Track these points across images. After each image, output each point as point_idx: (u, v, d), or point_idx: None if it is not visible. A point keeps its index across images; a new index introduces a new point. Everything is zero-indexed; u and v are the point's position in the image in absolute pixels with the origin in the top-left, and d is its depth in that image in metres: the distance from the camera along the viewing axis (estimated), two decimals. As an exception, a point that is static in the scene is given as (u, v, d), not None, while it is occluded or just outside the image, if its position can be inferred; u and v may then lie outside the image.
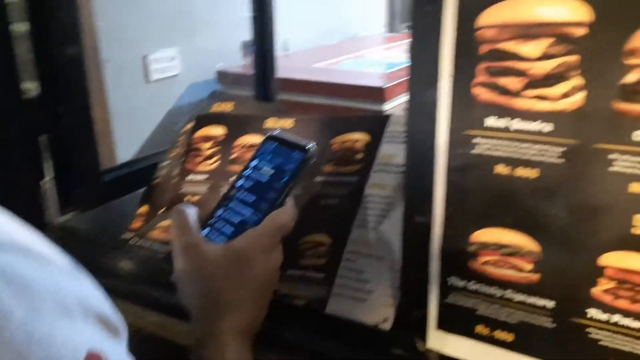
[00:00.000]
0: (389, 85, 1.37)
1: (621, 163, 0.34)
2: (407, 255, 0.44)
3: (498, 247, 0.40)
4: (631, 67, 0.33)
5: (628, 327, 0.36)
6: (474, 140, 0.39)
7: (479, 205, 0.40)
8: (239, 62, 1.63)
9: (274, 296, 0.46)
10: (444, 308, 0.43)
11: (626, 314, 0.36)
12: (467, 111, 0.38)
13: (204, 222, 0.47)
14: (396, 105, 1.40)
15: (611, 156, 0.34)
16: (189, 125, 0.71)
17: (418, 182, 0.42)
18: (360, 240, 0.53)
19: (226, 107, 0.72)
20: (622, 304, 0.36)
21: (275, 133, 0.51)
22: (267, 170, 0.49)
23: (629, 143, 0.34)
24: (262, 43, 1.04)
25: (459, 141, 0.39)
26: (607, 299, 0.36)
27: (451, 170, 0.40)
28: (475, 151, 0.39)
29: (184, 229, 0.45)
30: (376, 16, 2.45)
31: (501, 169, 0.38)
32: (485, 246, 0.40)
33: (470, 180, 0.39)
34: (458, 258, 0.42)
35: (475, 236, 0.40)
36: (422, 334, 0.44)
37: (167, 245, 0.61)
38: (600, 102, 0.34)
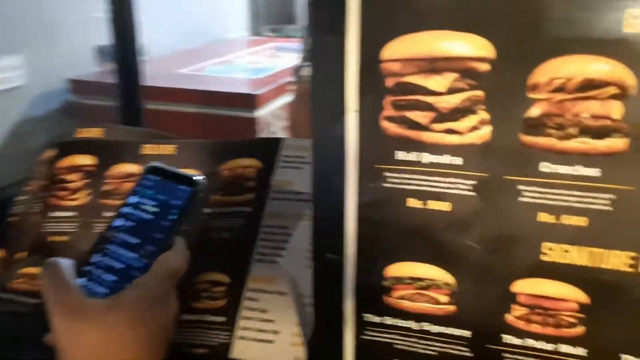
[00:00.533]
0: (261, 92, 1.34)
1: (529, 194, 0.35)
2: (319, 293, 0.42)
3: (413, 280, 0.39)
4: (533, 102, 0.33)
5: (541, 350, 0.37)
6: (385, 175, 0.37)
7: (392, 239, 0.39)
8: (94, 69, 1.49)
9: (169, 349, 0.41)
10: (360, 345, 0.41)
11: (538, 337, 0.37)
12: (376, 145, 0.37)
13: (78, 269, 0.41)
14: (268, 112, 1.38)
15: (520, 187, 0.35)
16: (50, 153, 0.62)
17: (327, 218, 0.40)
18: (260, 276, 0.49)
19: (94, 132, 0.64)
20: (535, 328, 0.37)
21: (156, 164, 0.46)
22: (151, 208, 0.44)
23: (536, 174, 0.34)
24: (122, 47, 0.96)
25: (369, 176, 0.38)
26: (521, 324, 0.37)
27: (362, 206, 0.38)
28: (387, 185, 0.37)
29: (60, 284, 0.39)
30: (238, 18, 2.40)
31: (413, 203, 0.37)
32: (400, 280, 0.39)
33: (382, 215, 0.38)
34: (373, 293, 0.40)
35: (389, 271, 0.39)
36: (338, 373, 0.42)
37: (34, 297, 0.53)
38: (507, 136, 0.34)
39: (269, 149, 0.55)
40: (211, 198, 0.54)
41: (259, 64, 1.69)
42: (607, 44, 0.31)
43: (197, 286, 0.50)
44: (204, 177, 0.44)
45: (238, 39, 2.21)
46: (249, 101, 1.35)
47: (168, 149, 0.58)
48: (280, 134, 1.40)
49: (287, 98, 1.35)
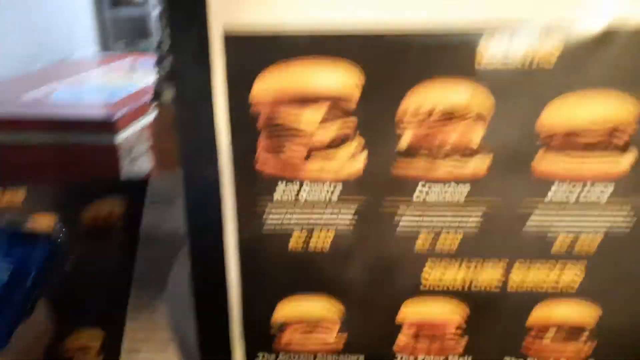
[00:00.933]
0: (119, 116, 1.26)
1: (407, 220, 0.35)
2: (206, 342, 0.40)
3: (303, 316, 0.38)
4: (404, 130, 0.34)
5: (431, 367, 0.38)
6: (265, 213, 0.36)
7: (278, 277, 0.37)
8: None
9: None
10: (253, 389, 0.40)
11: (427, 352, 0.38)
12: (253, 184, 0.35)
13: None
14: (129, 135, 1.31)
15: (398, 214, 0.35)
16: None
17: (207, 265, 0.37)
18: (139, 327, 0.46)
19: None
20: (422, 350, 0.38)
21: (4, 220, 0.41)
22: (3, 270, 0.39)
23: (412, 200, 0.35)
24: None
25: (248, 216, 0.36)
26: (409, 347, 0.38)
27: (243, 248, 0.37)
28: (267, 224, 0.36)
29: None
30: (85, 33, 2.25)
31: (296, 238, 0.36)
32: (290, 318, 0.38)
33: (265, 255, 0.37)
34: (263, 335, 0.39)
35: (278, 309, 0.38)
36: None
37: None
38: (381, 165, 0.35)
39: (135, 188, 0.51)
40: (74, 247, 0.49)
41: (115, 84, 1.59)
42: (465, 73, 0.33)
43: (68, 352, 0.45)
44: (62, 230, 0.40)
45: (88, 57, 2.07)
46: (107, 126, 1.26)
47: (17, 195, 0.52)
48: (144, 159, 1.32)
49: (148, 119, 1.29)
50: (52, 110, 1.32)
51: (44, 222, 0.44)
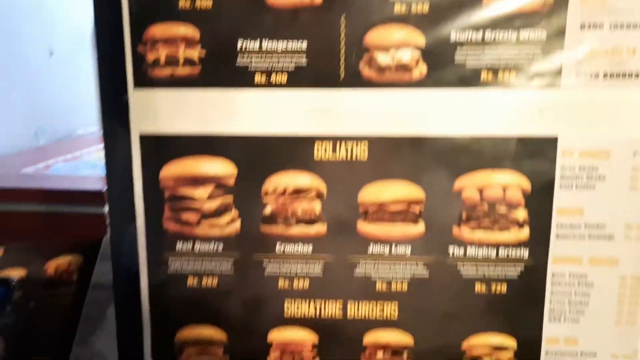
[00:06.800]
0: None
1: (271, 266, 0.49)
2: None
3: (197, 340, 0.51)
4: (267, 203, 0.48)
5: (292, 383, 0.50)
6: (169, 262, 0.50)
7: (179, 309, 0.50)
8: None
9: None
10: (161, 401, 0.52)
11: (290, 373, 0.50)
12: (160, 240, 0.49)
13: None
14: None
15: (264, 262, 0.49)
16: None
17: (125, 300, 0.51)
18: (82, 356, 0.58)
19: None
20: (286, 366, 0.50)
21: None
22: None
23: (274, 253, 0.49)
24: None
25: (157, 263, 0.50)
26: (277, 365, 0.51)
27: (153, 286, 0.50)
28: (171, 269, 0.50)
29: None
30: (88, 113, 2.44)
31: (191, 280, 0.50)
32: (187, 342, 0.51)
33: (169, 292, 0.50)
34: (168, 356, 0.51)
35: (179, 336, 0.51)
36: None
37: None
38: (252, 227, 0.49)
39: (91, 246, 0.65)
40: (36, 293, 0.62)
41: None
42: (307, 164, 0.47)
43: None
44: (15, 280, 0.52)
45: (88, 135, 2.26)
46: (97, 198, 1.41)
47: (-4, 252, 0.66)
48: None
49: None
50: (47, 183, 1.47)
51: (16, 274, 0.57)
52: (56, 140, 2.09)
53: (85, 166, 1.87)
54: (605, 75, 0.43)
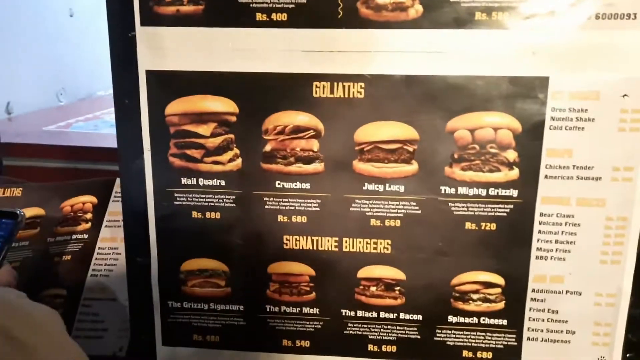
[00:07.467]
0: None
1: (271, 203, 0.51)
2: (133, 290, 0.55)
3: (200, 272, 0.54)
4: (267, 141, 0.50)
5: (290, 313, 0.53)
6: (174, 195, 0.52)
7: (183, 242, 0.53)
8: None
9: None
10: (167, 327, 0.55)
11: (288, 304, 0.53)
12: (166, 174, 0.52)
13: None
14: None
15: (264, 198, 0.51)
16: None
17: (135, 230, 0.54)
18: (94, 287, 0.62)
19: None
20: (286, 298, 0.53)
21: None
22: None
23: (273, 189, 0.51)
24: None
25: (163, 197, 0.52)
26: (276, 296, 0.53)
27: (159, 219, 0.53)
28: (176, 203, 0.52)
29: None
30: (108, 76, 2.48)
31: (195, 214, 0.53)
32: (191, 273, 0.54)
33: (174, 225, 0.53)
34: (173, 285, 0.54)
35: (183, 266, 0.54)
36: (153, 353, 0.56)
37: None
38: (252, 164, 0.51)
39: (105, 187, 0.68)
40: (55, 230, 0.66)
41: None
42: (305, 103, 0.49)
43: (40, 300, 0.61)
44: (22, 211, 0.54)
45: (107, 97, 2.29)
46: (114, 155, 1.44)
47: (15, 191, 0.69)
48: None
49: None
50: (66, 141, 1.51)
51: (33, 212, 0.60)
52: (77, 101, 2.13)
53: (104, 125, 1.91)
54: (597, 17, 0.44)
